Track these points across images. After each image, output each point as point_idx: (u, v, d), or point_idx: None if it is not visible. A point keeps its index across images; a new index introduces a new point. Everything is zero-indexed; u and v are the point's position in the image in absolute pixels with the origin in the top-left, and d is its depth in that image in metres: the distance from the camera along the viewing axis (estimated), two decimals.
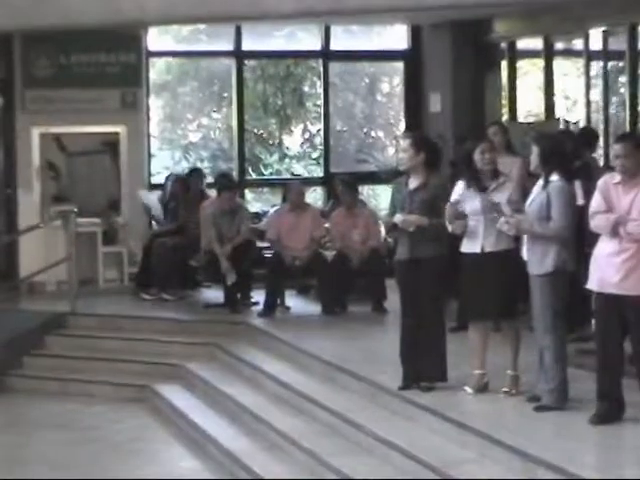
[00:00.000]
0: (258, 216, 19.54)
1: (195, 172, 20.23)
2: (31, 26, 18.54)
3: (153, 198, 19.77)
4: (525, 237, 11.89)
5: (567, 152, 13.24)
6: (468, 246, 12.44)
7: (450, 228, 12.39)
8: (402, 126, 22.06)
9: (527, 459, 10.38)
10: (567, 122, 19.63)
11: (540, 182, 11.88)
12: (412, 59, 22.27)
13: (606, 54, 19.99)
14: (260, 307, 17.54)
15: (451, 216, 12.37)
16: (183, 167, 21.87)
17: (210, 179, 20.60)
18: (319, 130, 22.96)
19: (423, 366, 12.76)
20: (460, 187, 12.58)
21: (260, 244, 18.33)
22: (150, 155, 21.54)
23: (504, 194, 12.18)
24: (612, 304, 11.15)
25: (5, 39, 19.62)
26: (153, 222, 19.74)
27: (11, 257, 19.92)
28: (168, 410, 15.29)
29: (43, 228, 19.54)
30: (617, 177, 11.19)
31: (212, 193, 19.13)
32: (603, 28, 19.31)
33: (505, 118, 20.48)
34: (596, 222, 11.19)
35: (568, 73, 21.15)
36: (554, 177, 11.80)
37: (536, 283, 11.80)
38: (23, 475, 13.55)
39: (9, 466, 13.62)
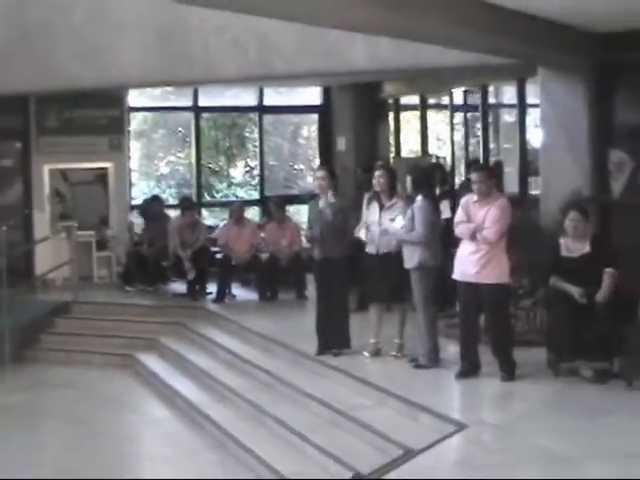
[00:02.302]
0: (212, 228, 19.50)
1: (155, 198, 20.20)
2: (40, 89, 18.56)
3: (135, 218, 19.80)
4: None
5: (433, 180, 13.49)
6: (369, 248, 12.62)
7: (357, 234, 12.65)
8: (317, 161, 22.07)
9: (410, 405, 10.60)
10: (437, 157, 19.77)
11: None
12: (324, 112, 22.27)
13: (466, 107, 20.17)
14: (213, 296, 17.56)
15: (360, 227, 12.62)
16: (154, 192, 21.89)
17: (175, 202, 20.67)
18: (256, 164, 22.93)
19: (333, 337, 12.92)
20: (365, 204, 12.82)
21: (213, 249, 18.32)
22: (131, 184, 21.50)
23: (396, 210, 12.35)
24: (471, 290, 11.42)
25: (23, 99, 19.60)
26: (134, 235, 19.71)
27: (29, 260, 19.85)
28: (146, 373, 15.32)
29: (52, 239, 19.55)
30: (474, 197, 11.44)
31: (173, 213, 19.19)
32: (463, 88, 19.47)
33: (392, 155, 20.58)
34: (459, 230, 11.49)
35: (438, 121, 21.26)
36: (419, 198, 12.02)
37: (415, 275, 12.02)
38: (42, 422, 13.72)
39: (31, 416, 13.96)
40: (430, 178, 13.13)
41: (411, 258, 11.99)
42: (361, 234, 12.57)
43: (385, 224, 12.27)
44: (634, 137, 14.16)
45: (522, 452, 8.88)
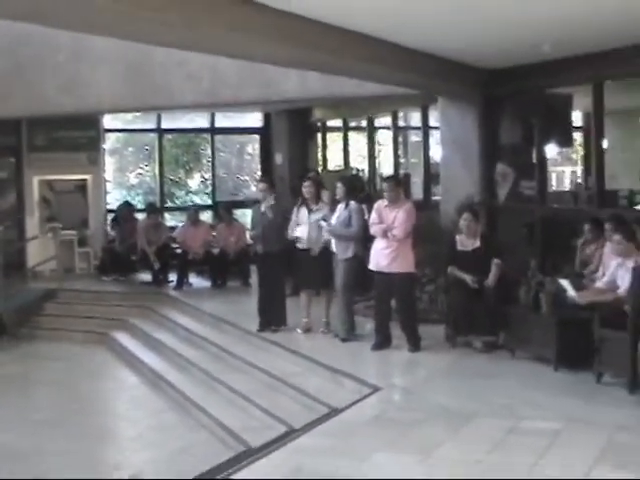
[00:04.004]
0: (172, 228, 19.40)
1: (126, 204, 20.10)
2: (31, 114, 18.43)
3: (109, 221, 19.74)
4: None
5: (358, 188, 13.54)
6: (300, 244, 12.60)
7: (289, 233, 12.64)
8: (259, 173, 22.02)
9: (335, 372, 10.60)
10: (357, 170, 19.76)
11: (342, 205, 12.11)
12: (264, 133, 22.19)
13: (380, 129, 20.25)
14: (174, 284, 17.48)
15: (292, 227, 12.61)
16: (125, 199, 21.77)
17: (142, 207, 20.55)
18: (209, 176, 22.82)
19: (272, 317, 12.91)
20: (296, 208, 12.83)
21: (173, 245, 18.24)
22: (106, 192, 21.28)
23: (322, 213, 12.38)
24: (384, 278, 11.43)
25: (16, 122, 19.44)
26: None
27: (21, 255, 19.65)
28: (119, 348, 15.17)
29: (41, 237, 19.37)
30: (385, 202, 11.46)
31: (141, 216, 19.09)
32: (378, 113, 19.51)
33: (320, 168, 20.58)
34: (373, 229, 11.53)
35: (358, 140, 21.27)
36: (352, 202, 12.03)
37: (340, 265, 12.02)
38: (33, 388, 13.62)
39: (26, 384, 13.89)
40: (357, 187, 13.29)
41: (345, 251, 12.00)
42: (297, 232, 12.56)
43: (322, 224, 12.29)
44: (515, 153, 14.25)
45: (426, 409, 8.89)
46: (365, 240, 12.14)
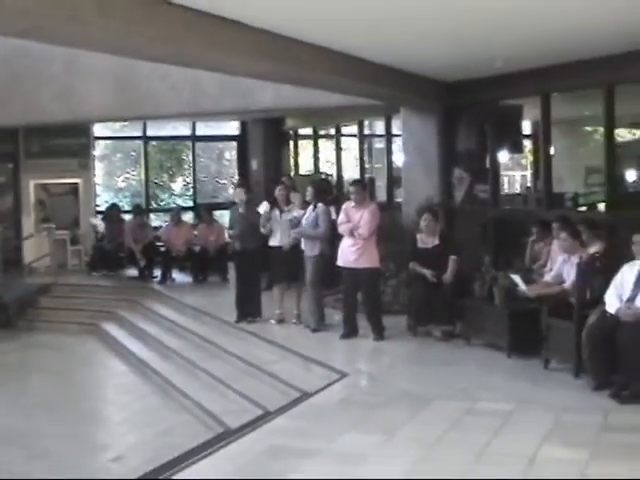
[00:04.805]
0: (157, 228, 19.34)
1: (114, 206, 20.01)
2: (27, 122, 18.29)
3: (97, 221, 19.65)
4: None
5: (326, 191, 13.53)
6: (273, 241, 12.60)
7: (262, 230, 12.60)
8: (236, 177, 21.97)
9: (306, 359, 10.63)
10: (327, 175, 19.77)
11: (311, 207, 12.11)
12: (241, 140, 22.13)
13: (347, 136, 20.26)
14: (158, 279, 17.40)
15: (263, 223, 12.59)
16: (114, 201, 21.66)
17: (129, 208, 20.48)
18: (191, 180, 22.79)
19: (248, 309, 12.87)
20: (267, 207, 12.83)
21: (158, 244, 18.16)
22: (96, 195, 21.20)
23: (292, 214, 12.38)
24: (351, 273, 11.42)
25: (13, 130, 19.31)
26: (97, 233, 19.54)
27: (19, 252, 19.53)
28: (108, 338, 15.10)
29: (36, 236, 19.33)
30: (352, 203, 11.45)
31: (127, 217, 19.00)
32: (345, 122, 19.53)
33: (293, 172, 20.56)
34: (341, 228, 11.50)
35: (327, 147, 21.27)
36: (320, 204, 12.03)
37: (308, 262, 12.01)
38: (30, 375, 13.59)
39: (25, 370, 13.92)
40: (326, 190, 13.30)
41: (313, 249, 12.01)
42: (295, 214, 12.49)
43: (295, 214, 12.29)
44: (470, 159, 14.27)
45: (389, 393, 8.91)
46: (332, 239, 12.15)
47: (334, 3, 7.85)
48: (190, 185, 22.97)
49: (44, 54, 16.66)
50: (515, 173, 24.18)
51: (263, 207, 13.00)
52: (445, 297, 11.09)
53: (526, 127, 17.89)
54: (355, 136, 19.57)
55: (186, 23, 7.64)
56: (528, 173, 22.92)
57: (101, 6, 6.61)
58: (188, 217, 20.79)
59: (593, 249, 9.98)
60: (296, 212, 12.43)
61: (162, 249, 17.94)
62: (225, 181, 23.87)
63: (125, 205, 21.54)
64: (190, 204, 22.32)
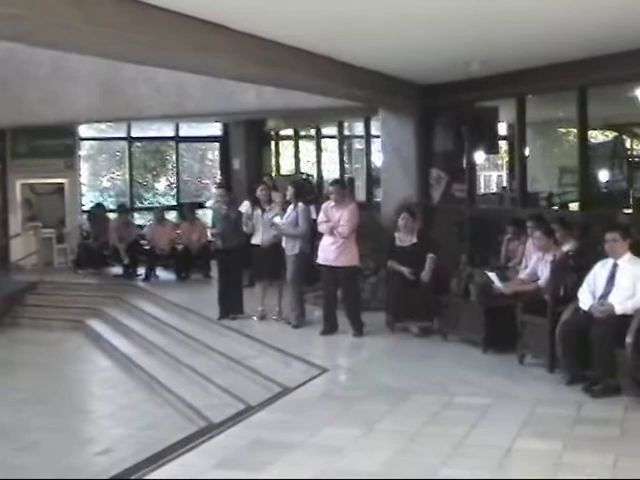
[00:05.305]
0: (141, 227, 19.34)
1: (99, 205, 20.04)
2: (15, 124, 18.31)
3: (83, 220, 19.59)
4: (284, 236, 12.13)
5: (306, 190, 13.56)
6: (255, 240, 12.64)
7: (245, 228, 12.63)
8: (219, 177, 21.95)
9: (286, 354, 10.63)
10: (307, 175, 19.80)
11: (292, 206, 12.12)
12: (224, 141, 22.10)
13: (327, 137, 20.29)
14: (142, 276, 17.44)
15: (245, 222, 12.61)
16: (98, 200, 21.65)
17: (114, 207, 20.47)
18: (174, 179, 22.81)
19: (230, 306, 12.88)
20: (248, 206, 12.85)
21: (142, 242, 18.15)
22: (81, 194, 21.18)
23: (273, 212, 12.40)
24: (331, 271, 11.46)
25: (1, 131, 19.32)
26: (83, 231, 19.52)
27: (6, 251, 19.52)
28: (93, 334, 15.10)
29: (23, 235, 19.31)
30: (332, 203, 11.49)
31: (112, 216, 19.02)
32: (325, 124, 19.56)
33: (274, 173, 20.58)
34: (321, 227, 11.55)
35: (307, 148, 21.30)
36: (300, 204, 12.05)
37: (289, 260, 12.03)
38: (17, 369, 13.52)
39: (13, 366, 13.79)
40: (306, 190, 13.34)
41: (293, 247, 12.02)
42: (276, 220, 12.46)
43: (276, 220, 12.27)
44: (447, 159, 14.31)
45: (369, 387, 8.93)
46: (313, 237, 12.18)
47: (315, 8, 7.87)
48: (173, 185, 23.01)
49: (31, 58, 16.65)
50: (491, 173, 24.31)
51: (244, 206, 13.04)
52: (423, 294, 11.13)
53: (502, 128, 17.96)
54: (335, 137, 19.63)
55: (172, 27, 7.65)
56: (504, 173, 23.05)
57: (87, 12, 6.62)
58: (171, 216, 20.78)
59: (567, 247, 10.03)
60: (272, 214, 12.45)
61: (146, 247, 17.94)
62: (207, 181, 23.90)
63: (110, 204, 21.54)
64: (173, 203, 22.33)
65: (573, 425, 7.42)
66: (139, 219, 21.41)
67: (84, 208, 20.78)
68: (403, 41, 9.64)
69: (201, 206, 20.70)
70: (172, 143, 22.71)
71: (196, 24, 7.94)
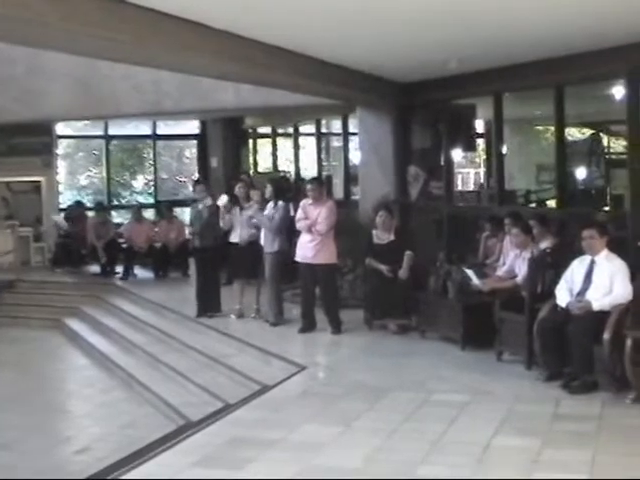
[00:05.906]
0: (119, 225, 19.28)
1: (78, 203, 20.00)
2: None
3: (60, 218, 19.48)
4: (263, 232, 12.10)
5: (285, 188, 13.55)
6: (233, 238, 12.63)
7: (221, 223, 12.63)
8: (196, 175, 21.89)
9: (265, 352, 10.63)
10: (285, 172, 19.80)
11: (271, 204, 12.11)
12: (201, 138, 22.08)
13: (305, 135, 20.30)
14: (120, 275, 17.35)
15: (222, 216, 12.61)
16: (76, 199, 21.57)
17: (91, 205, 20.39)
18: (152, 177, 22.77)
19: (208, 304, 12.87)
20: (225, 200, 12.79)
21: (120, 240, 18.09)
22: (59, 193, 21.08)
23: (251, 210, 12.37)
24: (309, 268, 11.45)
25: None
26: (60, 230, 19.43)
27: None
28: (71, 333, 15.04)
29: (0, 233, 19.19)
30: (310, 201, 11.49)
31: (90, 214, 18.94)
32: (303, 121, 19.57)
33: (252, 170, 20.58)
34: (299, 225, 11.53)
35: (285, 146, 21.32)
36: (280, 202, 12.04)
37: (267, 258, 12.01)
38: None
39: None
40: (284, 187, 13.33)
41: (272, 245, 11.99)
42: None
43: (257, 217, 12.23)
44: (424, 157, 14.34)
45: (347, 385, 8.92)
46: (291, 235, 12.18)
47: (294, 7, 7.88)
48: (151, 183, 22.95)
49: (5, 56, 16.54)
50: (469, 171, 24.36)
51: (222, 200, 12.98)
52: (401, 291, 11.14)
53: (479, 126, 18.04)
54: (313, 135, 19.66)
55: (151, 25, 7.63)
56: (481, 171, 23.11)
57: (65, 10, 6.59)
58: (149, 214, 20.75)
59: (544, 244, 10.06)
60: (250, 211, 12.42)
61: (124, 245, 17.88)
62: (185, 179, 23.85)
63: (87, 203, 21.43)
64: (151, 201, 22.29)
65: (551, 421, 7.45)
66: (117, 217, 21.33)
67: (61, 206, 20.68)
68: (381, 39, 9.65)
69: (179, 204, 20.67)
70: (149, 141, 22.63)
71: (175, 22, 7.93)
